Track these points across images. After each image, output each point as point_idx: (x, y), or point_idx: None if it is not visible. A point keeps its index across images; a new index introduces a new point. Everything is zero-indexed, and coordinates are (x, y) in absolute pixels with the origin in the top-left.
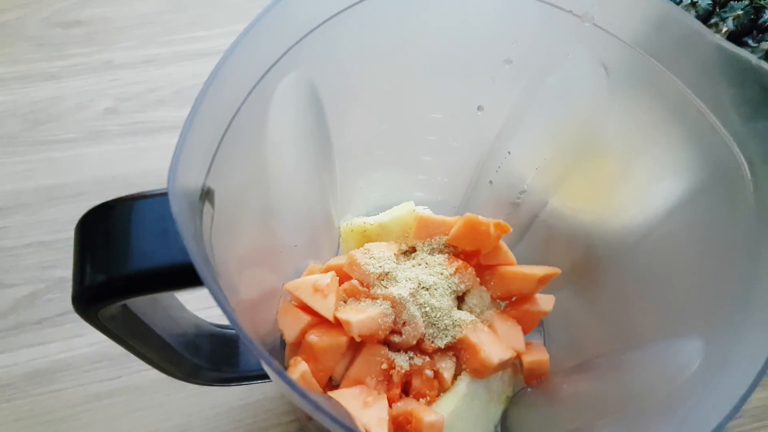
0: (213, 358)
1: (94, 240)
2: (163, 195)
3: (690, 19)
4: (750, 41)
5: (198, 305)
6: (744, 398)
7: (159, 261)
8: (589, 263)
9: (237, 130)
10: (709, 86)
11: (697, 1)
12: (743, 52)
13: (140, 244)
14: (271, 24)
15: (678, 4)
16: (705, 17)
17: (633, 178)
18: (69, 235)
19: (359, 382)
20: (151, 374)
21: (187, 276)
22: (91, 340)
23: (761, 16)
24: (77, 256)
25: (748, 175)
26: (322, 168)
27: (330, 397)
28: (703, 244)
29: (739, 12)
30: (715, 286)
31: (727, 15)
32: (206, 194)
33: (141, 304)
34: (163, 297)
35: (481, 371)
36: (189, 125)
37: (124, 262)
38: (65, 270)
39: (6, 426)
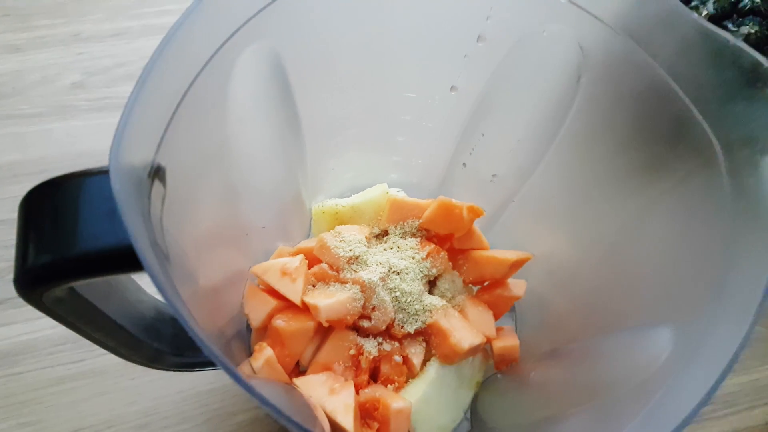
0: (176, 343)
1: (38, 219)
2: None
3: None
4: (730, 25)
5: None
6: (714, 388)
7: (106, 243)
8: (562, 248)
9: (193, 103)
10: (686, 68)
11: None
12: (721, 32)
13: (87, 224)
14: None
15: None
16: (685, 0)
17: (608, 165)
18: None
19: (327, 367)
20: (116, 357)
21: (131, 260)
22: (54, 322)
23: (741, 0)
24: (20, 235)
25: (723, 160)
26: (290, 146)
27: (291, 388)
28: (677, 233)
29: None
30: (687, 276)
31: None
32: (156, 172)
33: (91, 286)
34: (117, 279)
35: (451, 357)
36: (135, 96)
37: (69, 242)
38: None
39: None
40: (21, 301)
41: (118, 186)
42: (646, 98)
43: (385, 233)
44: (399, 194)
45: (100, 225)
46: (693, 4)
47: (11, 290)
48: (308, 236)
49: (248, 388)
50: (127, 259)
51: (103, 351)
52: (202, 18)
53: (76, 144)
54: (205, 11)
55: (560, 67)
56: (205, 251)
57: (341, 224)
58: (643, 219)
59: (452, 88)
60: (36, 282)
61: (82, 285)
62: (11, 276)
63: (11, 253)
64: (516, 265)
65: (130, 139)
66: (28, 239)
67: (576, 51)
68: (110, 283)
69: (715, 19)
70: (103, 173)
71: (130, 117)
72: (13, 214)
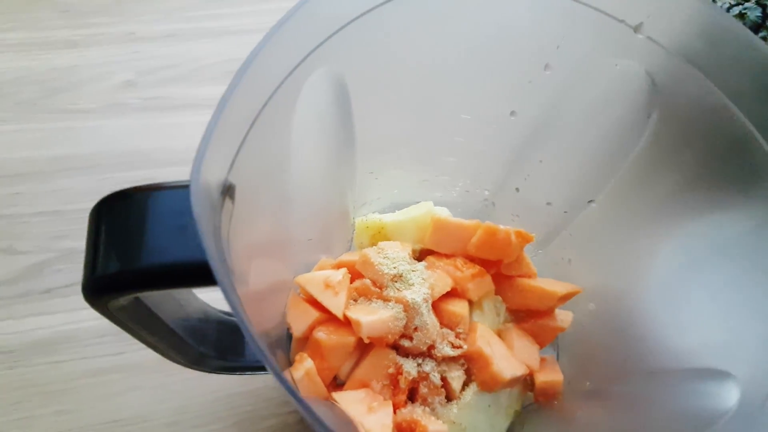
0: (219, 346)
1: (108, 228)
2: (182, 188)
3: (746, 33)
4: None
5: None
6: None
7: (175, 257)
8: (612, 282)
9: (262, 125)
10: (762, 108)
11: (746, 13)
12: None
13: (156, 237)
14: (301, 20)
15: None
16: (753, 30)
17: (671, 204)
18: (81, 206)
19: (365, 384)
20: (153, 354)
21: (202, 275)
22: (97, 314)
23: None
24: (90, 243)
25: None
26: (344, 163)
27: (332, 404)
28: (744, 272)
29: None
30: (754, 327)
31: None
32: (227, 190)
33: (154, 295)
34: (177, 290)
35: (491, 384)
36: (215, 121)
37: (138, 254)
38: (75, 241)
39: (6, 393)
40: (66, 291)
41: (198, 208)
42: (722, 141)
43: (429, 252)
44: (443, 213)
45: (171, 239)
46: (761, 34)
47: (57, 280)
48: (349, 248)
49: (302, 403)
50: (198, 274)
51: (141, 346)
52: (279, 43)
53: (126, 142)
54: (281, 36)
55: (630, 101)
56: (256, 261)
57: (384, 239)
58: (705, 262)
59: (512, 113)
60: (104, 290)
61: (147, 294)
62: (58, 266)
63: (59, 244)
64: (564, 299)
65: (209, 159)
66: (98, 248)
67: (648, 87)
68: (171, 292)
69: None
70: (175, 188)
71: (210, 140)
72: (63, 206)
